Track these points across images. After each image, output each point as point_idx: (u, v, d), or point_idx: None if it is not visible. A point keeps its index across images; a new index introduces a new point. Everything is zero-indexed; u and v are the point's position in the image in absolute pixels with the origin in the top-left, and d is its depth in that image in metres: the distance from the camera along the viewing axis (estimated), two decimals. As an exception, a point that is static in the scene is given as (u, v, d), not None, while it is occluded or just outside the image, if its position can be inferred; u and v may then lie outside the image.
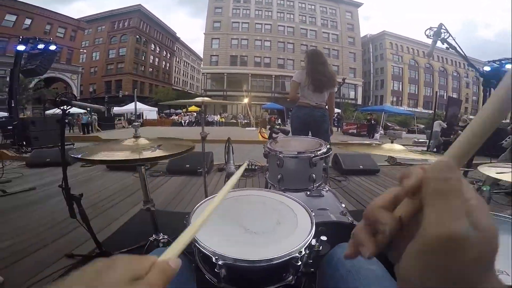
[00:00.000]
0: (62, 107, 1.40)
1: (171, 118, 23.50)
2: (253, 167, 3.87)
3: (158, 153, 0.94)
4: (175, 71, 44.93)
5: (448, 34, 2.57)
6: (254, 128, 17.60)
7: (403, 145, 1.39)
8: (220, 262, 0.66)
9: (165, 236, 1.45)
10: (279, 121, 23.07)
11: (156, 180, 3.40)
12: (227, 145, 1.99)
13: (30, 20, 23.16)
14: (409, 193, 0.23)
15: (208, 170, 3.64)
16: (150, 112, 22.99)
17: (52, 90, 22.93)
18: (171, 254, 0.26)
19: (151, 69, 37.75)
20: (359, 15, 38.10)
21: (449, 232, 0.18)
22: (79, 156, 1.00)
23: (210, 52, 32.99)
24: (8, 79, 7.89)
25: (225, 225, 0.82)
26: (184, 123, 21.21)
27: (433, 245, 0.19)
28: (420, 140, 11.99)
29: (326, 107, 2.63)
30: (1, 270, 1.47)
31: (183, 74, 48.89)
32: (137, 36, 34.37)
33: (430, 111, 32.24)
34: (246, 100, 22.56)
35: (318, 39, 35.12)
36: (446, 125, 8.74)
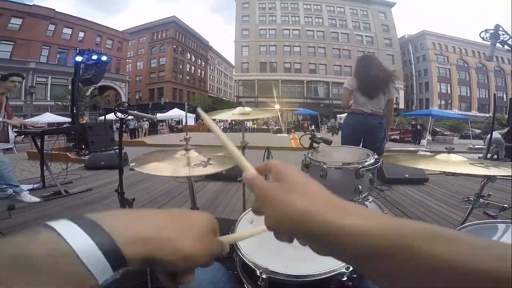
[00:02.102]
0: (120, 116, 1.54)
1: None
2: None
3: (209, 169, 0.97)
4: (209, 79, 47.12)
5: (508, 36, 2.25)
6: (285, 135, 17.48)
7: (466, 157, 1.13)
8: (264, 276, 0.69)
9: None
10: (313, 127, 22.55)
11: (196, 185, 3.54)
12: (266, 154, 1.99)
13: (83, 33, 25.79)
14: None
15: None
16: (188, 119, 24.39)
17: (105, 97, 25.70)
18: (230, 239, 0.33)
19: (188, 77, 40.11)
20: (394, 15, 35.95)
21: (259, 190, 0.29)
22: (133, 164, 1.07)
23: (241, 59, 33.86)
24: (70, 87, 8.87)
25: (268, 235, 0.80)
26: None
27: (260, 200, 0.29)
28: (476, 146, 10.66)
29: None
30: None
31: (217, 81, 51.01)
32: (174, 46, 36.82)
33: (487, 114, 28.55)
34: (277, 106, 22.65)
35: (351, 42, 33.86)
36: (505, 130, 7.74)
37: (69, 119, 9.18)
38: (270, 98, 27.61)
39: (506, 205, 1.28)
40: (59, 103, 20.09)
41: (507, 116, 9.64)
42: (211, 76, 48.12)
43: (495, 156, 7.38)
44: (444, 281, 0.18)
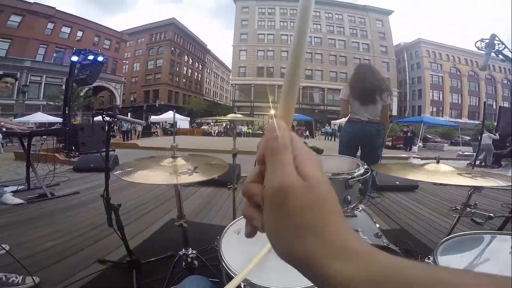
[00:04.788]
0: (108, 120, 1.51)
1: (202, 128, 24.59)
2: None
3: (195, 177, 0.96)
4: (206, 82, 47.13)
5: (503, 46, 2.29)
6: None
7: (453, 165, 1.13)
8: (248, 288, 0.68)
9: (194, 251, 1.45)
10: (307, 133, 22.65)
11: (186, 190, 3.49)
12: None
13: (82, 33, 25.65)
14: (260, 161, 0.23)
15: (235, 182, 3.66)
16: (183, 122, 24.24)
17: (99, 98, 25.40)
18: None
19: (185, 80, 39.98)
20: (391, 23, 36.67)
21: (280, 183, 0.20)
22: (120, 172, 1.05)
23: (238, 63, 34.01)
24: (64, 87, 8.71)
25: (254, 246, 0.80)
26: (214, 133, 22.09)
27: (271, 197, 0.21)
28: (465, 153, 10.83)
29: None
30: (40, 270, 1.55)
31: (213, 85, 51.03)
32: (172, 48, 36.76)
33: (477, 122, 29.15)
34: (272, 112, 22.76)
35: (348, 49, 34.36)
36: (497, 136, 7.84)
37: (60, 120, 8.99)
38: (266, 103, 27.69)
39: (492, 215, 1.30)
40: (51, 103, 19.81)
41: (495, 124, 9.85)
42: (207, 79, 48.13)
43: (484, 163, 7.48)
44: None
